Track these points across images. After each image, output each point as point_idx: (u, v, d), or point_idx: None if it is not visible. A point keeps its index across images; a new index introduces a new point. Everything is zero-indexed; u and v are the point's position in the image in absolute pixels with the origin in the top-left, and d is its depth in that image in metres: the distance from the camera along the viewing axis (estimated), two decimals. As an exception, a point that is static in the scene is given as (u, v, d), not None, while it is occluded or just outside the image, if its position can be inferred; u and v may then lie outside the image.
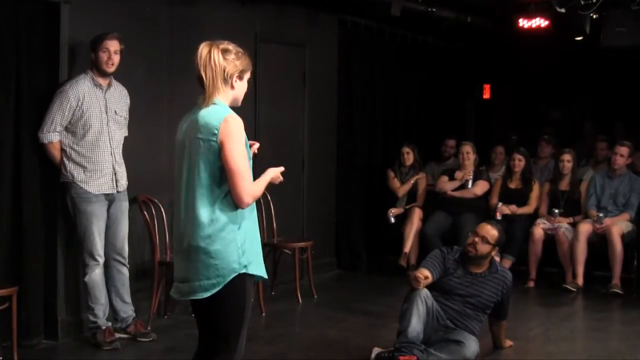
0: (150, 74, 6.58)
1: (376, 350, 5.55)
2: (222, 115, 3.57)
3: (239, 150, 3.55)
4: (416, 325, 5.22)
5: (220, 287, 3.55)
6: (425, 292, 5.37)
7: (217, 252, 3.54)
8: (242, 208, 3.59)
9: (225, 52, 3.62)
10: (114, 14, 6.24)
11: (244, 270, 3.58)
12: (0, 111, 5.58)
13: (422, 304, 5.29)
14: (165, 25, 6.73)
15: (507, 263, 8.17)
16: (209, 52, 3.60)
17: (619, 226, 7.99)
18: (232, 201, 3.57)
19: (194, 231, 3.56)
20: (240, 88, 3.72)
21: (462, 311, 5.49)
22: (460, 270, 5.55)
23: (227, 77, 3.63)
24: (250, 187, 3.58)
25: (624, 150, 8.30)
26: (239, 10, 7.47)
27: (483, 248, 5.52)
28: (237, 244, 3.57)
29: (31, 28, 5.70)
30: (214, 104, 3.62)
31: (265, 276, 3.74)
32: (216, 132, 3.53)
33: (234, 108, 3.71)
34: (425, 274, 5.38)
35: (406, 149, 9.01)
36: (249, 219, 3.65)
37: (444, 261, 5.58)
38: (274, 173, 3.79)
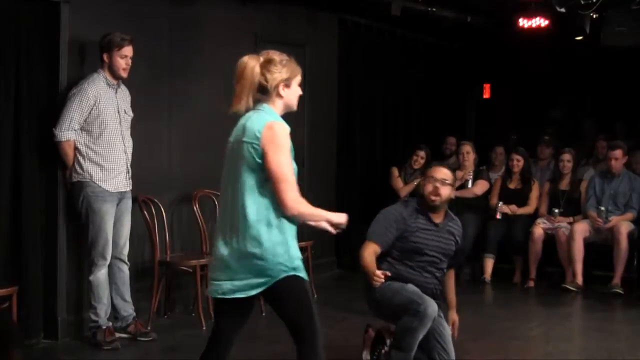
0: (150, 74, 6.58)
1: (376, 350, 5.53)
2: (266, 120, 3.60)
3: (283, 158, 3.56)
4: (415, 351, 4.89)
5: (270, 285, 3.59)
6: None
7: (264, 252, 3.55)
8: (285, 214, 3.59)
9: (268, 63, 3.69)
10: (114, 14, 6.24)
11: (292, 273, 3.62)
12: (0, 111, 5.58)
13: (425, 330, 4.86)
14: (165, 25, 6.73)
15: (489, 262, 8.30)
16: (246, 65, 3.64)
17: (627, 224, 7.97)
18: (277, 204, 3.58)
19: (240, 231, 3.57)
20: (290, 95, 3.78)
21: (435, 262, 5.07)
22: (422, 221, 5.08)
23: (269, 88, 3.66)
24: (295, 197, 3.58)
25: (617, 153, 8.23)
26: (239, 10, 7.47)
27: (445, 191, 5.08)
28: (283, 245, 3.59)
29: (31, 28, 5.71)
30: (261, 110, 3.65)
31: (307, 278, 3.73)
32: (259, 135, 3.55)
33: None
34: (379, 275, 4.87)
35: (421, 154, 8.98)
36: (292, 223, 3.66)
37: (403, 221, 5.07)
38: (337, 217, 3.82)
